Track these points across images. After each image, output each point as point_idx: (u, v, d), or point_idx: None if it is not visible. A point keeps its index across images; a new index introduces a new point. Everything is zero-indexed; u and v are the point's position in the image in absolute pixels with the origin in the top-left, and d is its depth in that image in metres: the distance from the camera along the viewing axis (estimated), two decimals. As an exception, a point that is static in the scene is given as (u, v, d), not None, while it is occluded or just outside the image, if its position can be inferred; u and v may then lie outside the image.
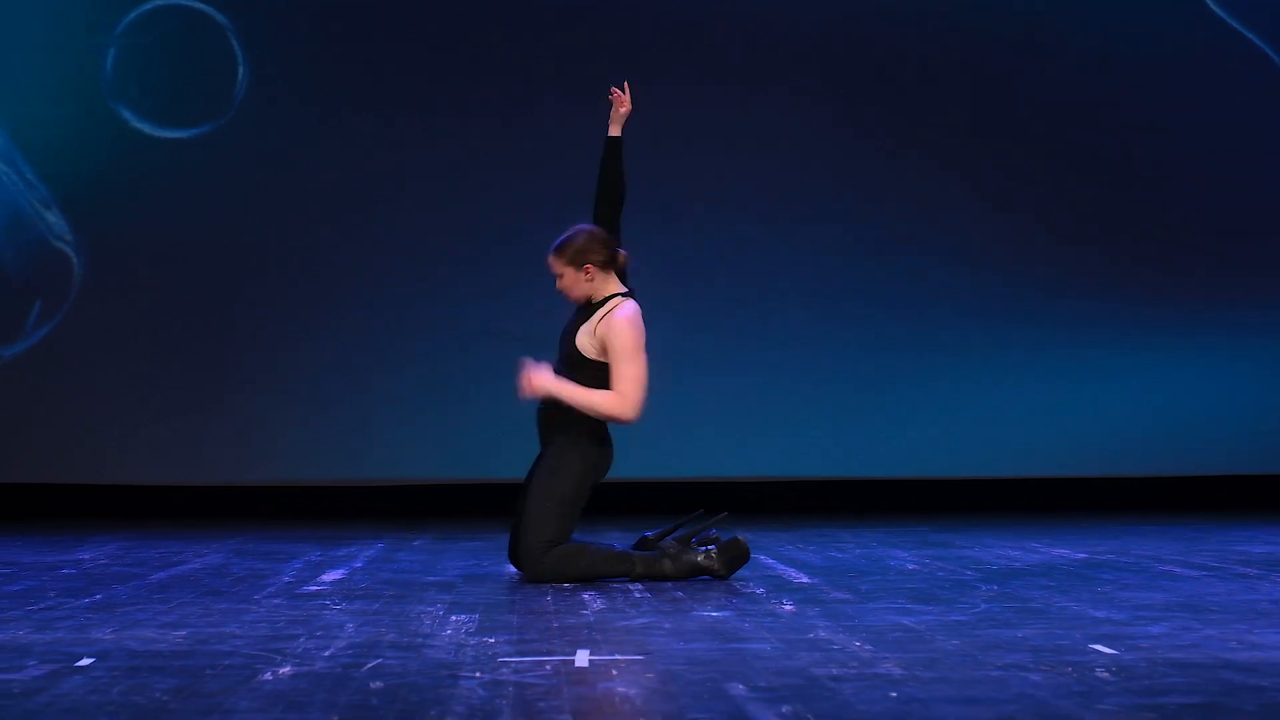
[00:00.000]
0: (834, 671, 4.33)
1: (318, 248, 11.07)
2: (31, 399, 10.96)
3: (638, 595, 6.21)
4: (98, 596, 6.23)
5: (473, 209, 11.11)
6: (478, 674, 4.35)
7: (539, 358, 6.86)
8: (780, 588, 6.45)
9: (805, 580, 6.73)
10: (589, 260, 6.81)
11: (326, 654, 4.69)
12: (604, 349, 6.73)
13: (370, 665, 4.48)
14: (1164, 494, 11.39)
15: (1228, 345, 11.30)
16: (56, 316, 10.97)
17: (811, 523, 10.04)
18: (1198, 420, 11.30)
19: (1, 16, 10.97)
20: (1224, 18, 11.33)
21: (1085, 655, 4.57)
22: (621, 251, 6.87)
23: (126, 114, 11.01)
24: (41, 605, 5.94)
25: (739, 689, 4.08)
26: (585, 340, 6.77)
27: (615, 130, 7.11)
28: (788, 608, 5.77)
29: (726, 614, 5.59)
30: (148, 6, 11.04)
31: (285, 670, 4.41)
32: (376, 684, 4.19)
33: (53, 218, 10.95)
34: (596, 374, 6.73)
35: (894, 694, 4.01)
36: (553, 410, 6.78)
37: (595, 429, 6.78)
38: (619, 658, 4.60)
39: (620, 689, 4.09)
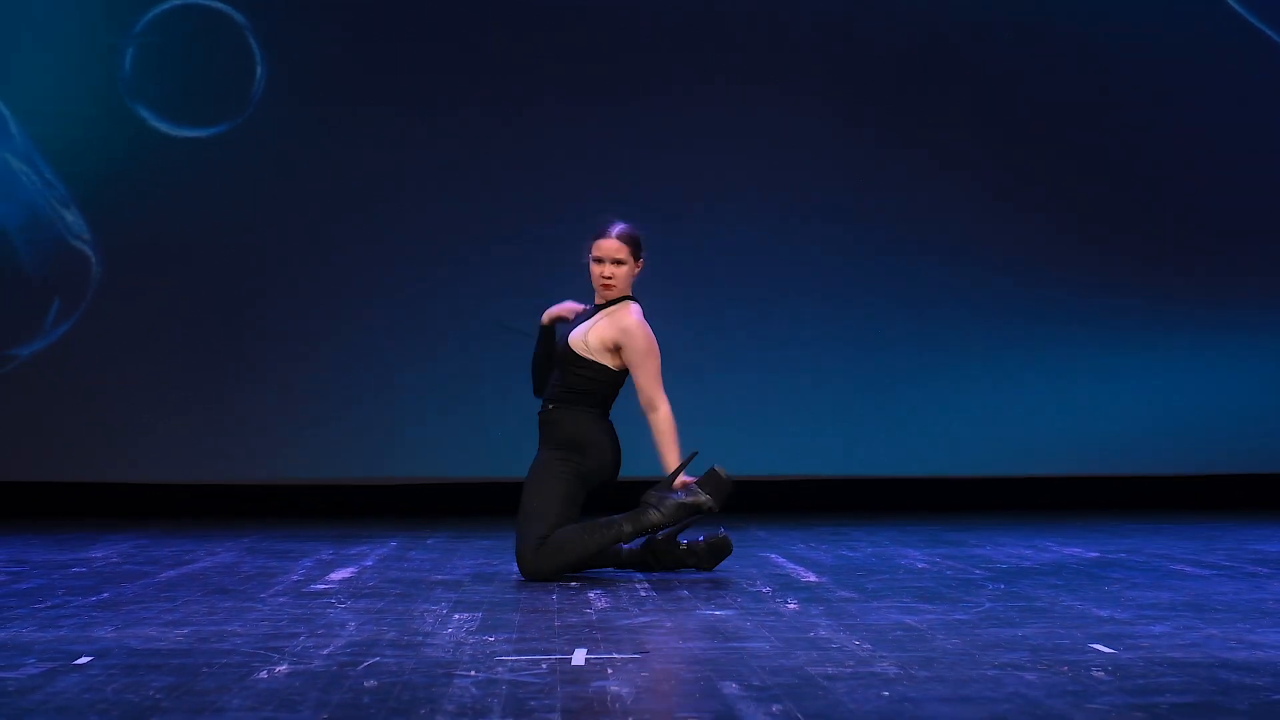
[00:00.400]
0: (829, 670, 4.33)
1: (335, 245, 11.09)
2: (50, 397, 10.99)
3: (643, 594, 6.21)
4: (104, 595, 6.25)
5: (488, 207, 11.12)
6: (473, 672, 4.35)
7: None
8: (787, 586, 6.45)
9: (813, 579, 6.72)
10: (644, 255, 6.88)
11: (325, 652, 4.70)
12: (606, 346, 6.74)
13: (366, 664, 4.49)
14: (1183, 493, 11.35)
15: (1246, 343, 11.26)
16: (74, 315, 11.00)
17: (826, 522, 10.03)
18: (1217, 418, 11.26)
19: (21, 16, 11.00)
20: (1239, 10, 11.29)
21: (1083, 655, 4.56)
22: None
23: (145, 113, 11.04)
24: (48, 604, 5.96)
25: (732, 688, 4.08)
26: (580, 340, 6.77)
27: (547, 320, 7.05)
28: (791, 606, 5.76)
29: (729, 613, 5.59)
30: (166, 5, 11.07)
31: (281, 669, 4.42)
32: (370, 682, 4.20)
33: (71, 216, 10.98)
34: (586, 380, 6.74)
35: (886, 693, 4.00)
36: (556, 413, 6.79)
37: (599, 432, 6.77)
38: (616, 656, 4.60)
39: (613, 688, 4.09)
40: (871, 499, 11.28)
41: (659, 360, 6.78)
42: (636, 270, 6.87)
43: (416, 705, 3.89)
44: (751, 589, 6.37)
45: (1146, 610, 5.56)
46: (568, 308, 7.01)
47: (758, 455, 11.12)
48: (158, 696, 4.01)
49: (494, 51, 11.13)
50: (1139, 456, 11.24)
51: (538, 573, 6.65)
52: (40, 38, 11.01)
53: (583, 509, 6.84)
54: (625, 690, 4.06)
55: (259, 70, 11.07)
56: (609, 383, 6.82)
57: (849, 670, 4.33)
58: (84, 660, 4.57)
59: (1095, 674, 4.24)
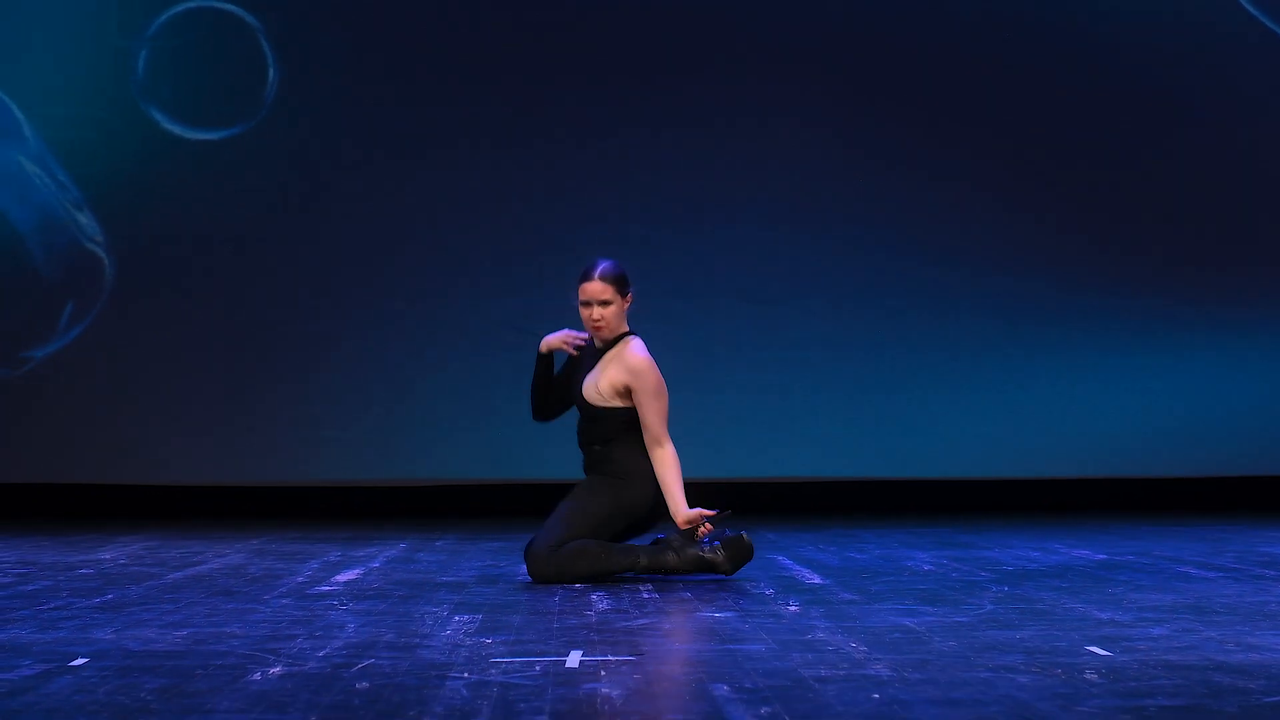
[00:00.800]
0: (822, 673, 4.33)
1: (349, 248, 11.11)
2: (64, 399, 11.03)
3: (645, 596, 6.21)
4: (109, 596, 6.27)
5: (503, 209, 11.13)
6: (466, 674, 4.36)
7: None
8: (790, 588, 6.44)
9: (817, 581, 6.72)
10: (631, 289, 6.86)
11: (321, 654, 4.71)
12: (618, 390, 6.75)
13: (361, 665, 4.50)
14: (1195, 495, 11.33)
15: (1261, 344, 11.23)
16: (88, 317, 11.04)
17: (838, 524, 10.03)
18: (1232, 420, 11.23)
19: (33, 18, 11.04)
20: (1252, 12, 11.26)
21: (1078, 657, 4.56)
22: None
23: (158, 115, 11.07)
24: (51, 605, 5.98)
25: (723, 690, 4.08)
26: (593, 390, 6.79)
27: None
28: (792, 608, 5.76)
29: (729, 615, 5.59)
30: (179, 8, 11.10)
31: (275, 670, 4.43)
32: (363, 684, 4.21)
33: (84, 219, 11.02)
34: (617, 422, 6.76)
35: (876, 695, 4.00)
36: (603, 451, 6.80)
37: (647, 465, 6.78)
38: (610, 658, 4.61)
39: (604, 690, 4.10)
40: (884, 501, 11.28)
41: (667, 399, 6.81)
42: (626, 304, 6.87)
43: (406, 707, 3.90)
44: (755, 591, 6.37)
45: (1147, 613, 5.55)
46: (566, 337, 7.01)
47: (770, 456, 11.13)
48: (148, 698, 4.03)
49: (508, 54, 11.14)
50: (1152, 458, 11.22)
51: (545, 573, 6.65)
52: (53, 40, 11.05)
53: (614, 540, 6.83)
54: (616, 692, 4.06)
55: (271, 72, 11.10)
56: (635, 419, 6.83)
57: (842, 673, 4.33)
58: (79, 662, 4.58)
59: (1088, 676, 4.23)
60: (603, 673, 4.36)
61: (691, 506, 6.77)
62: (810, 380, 11.16)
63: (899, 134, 11.18)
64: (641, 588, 6.51)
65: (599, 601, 6.03)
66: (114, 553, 8.27)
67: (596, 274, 6.87)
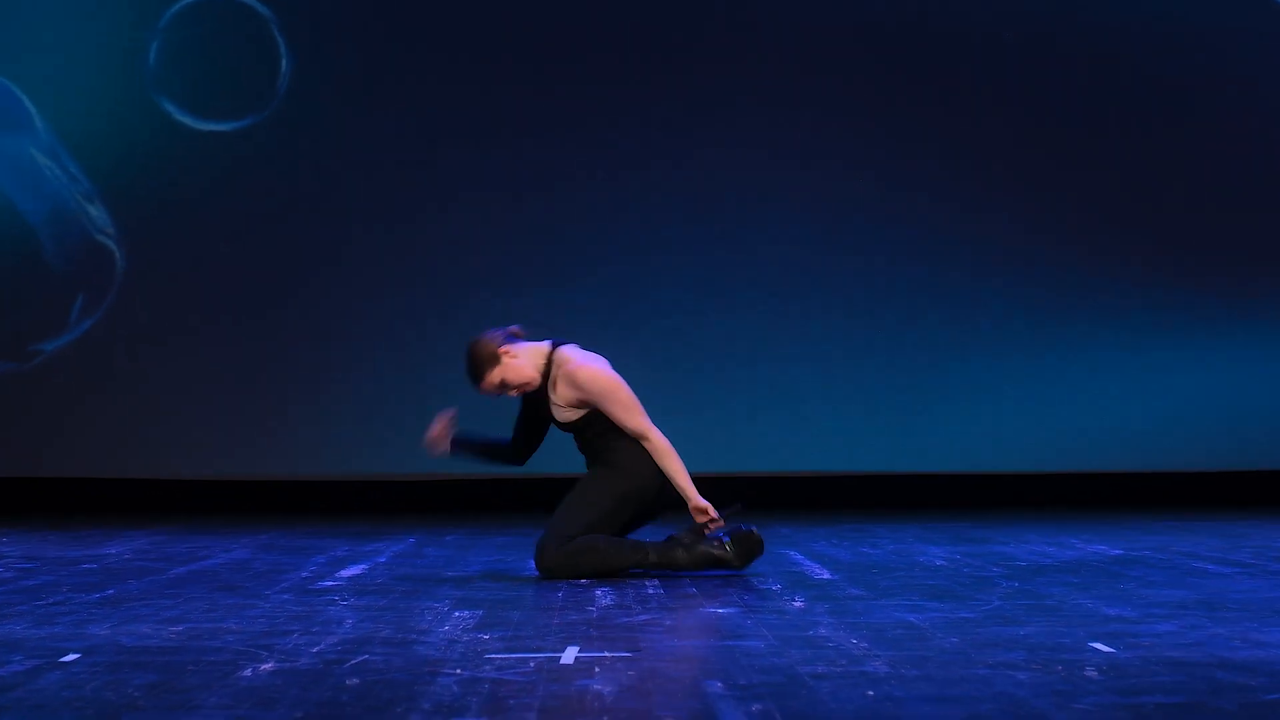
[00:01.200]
0: (819, 670, 4.31)
1: (361, 240, 11.12)
2: (74, 392, 11.06)
3: (650, 592, 6.21)
4: (109, 592, 6.28)
5: (517, 200, 11.12)
6: (459, 670, 4.36)
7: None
8: (797, 584, 6.43)
9: (826, 576, 6.71)
10: (495, 350, 6.75)
11: (315, 650, 4.71)
12: (575, 404, 6.72)
13: (354, 661, 4.49)
14: (1219, 489, 11.29)
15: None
16: (99, 310, 11.06)
17: (853, 518, 10.01)
18: (1256, 413, 11.19)
19: (45, 9, 11.06)
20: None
21: (1080, 654, 4.54)
22: (511, 328, 6.84)
23: (169, 107, 11.09)
24: (50, 600, 5.99)
25: (716, 687, 4.07)
26: (560, 411, 6.76)
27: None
28: (797, 604, 5.75)
29: (732, 610, 5.58)
30: (190, -1, 11.12)
31: (266, 666, 4.43)
32: (353, 680, 4.20)
33: (95, 211, 11.04)
34: (596, 426, 6.74)
35: (871, 692, 3.99)
36: (594, 444, 6.78)
37: (636, 452, 6.75)
38: (606, 655, 4.60)
39: (596, 686, 4.09)
40: (901, 496, 11.25)
41: (624, 389, 6.73)
42: (515, 358, 6.74)
43: (395, 703, 3.89)
44: (761, 586, 6.36)
45: (1156, 608, 5.52)
46: (438, 431, 6.97)
47: (786, 450, 11.11)
48: (136, 694, 4.03)
49: (524, 44, 11.14)
50: (1174, 452, 11.18)
51: (554, 569, 6.63)
52: (64, 32, 11.07)
53: (623, 530, 6.82)
54: (608, 689, 4.05)
55: (284, 63, 11.11)
56: (607, 425, 6.79)
57: (839, 669, 4.32)
58: (70, 658, 4.59)
59: (1088, 673, 4.21)
60: (597, 669, 4.35)
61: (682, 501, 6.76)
62: (826, 374, 11.14)
63: (919, 127, 11.16)
64: (648, 583, 6.50)
65: (603, 597, 6.03)
66: (119, 548, 8.28)
67: (475, 385, 6.77)
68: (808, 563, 7.30)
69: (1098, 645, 4.69)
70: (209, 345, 11.11)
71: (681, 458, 6.81)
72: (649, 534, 7.06)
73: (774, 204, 11.16)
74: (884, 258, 11.16)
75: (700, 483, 6.82)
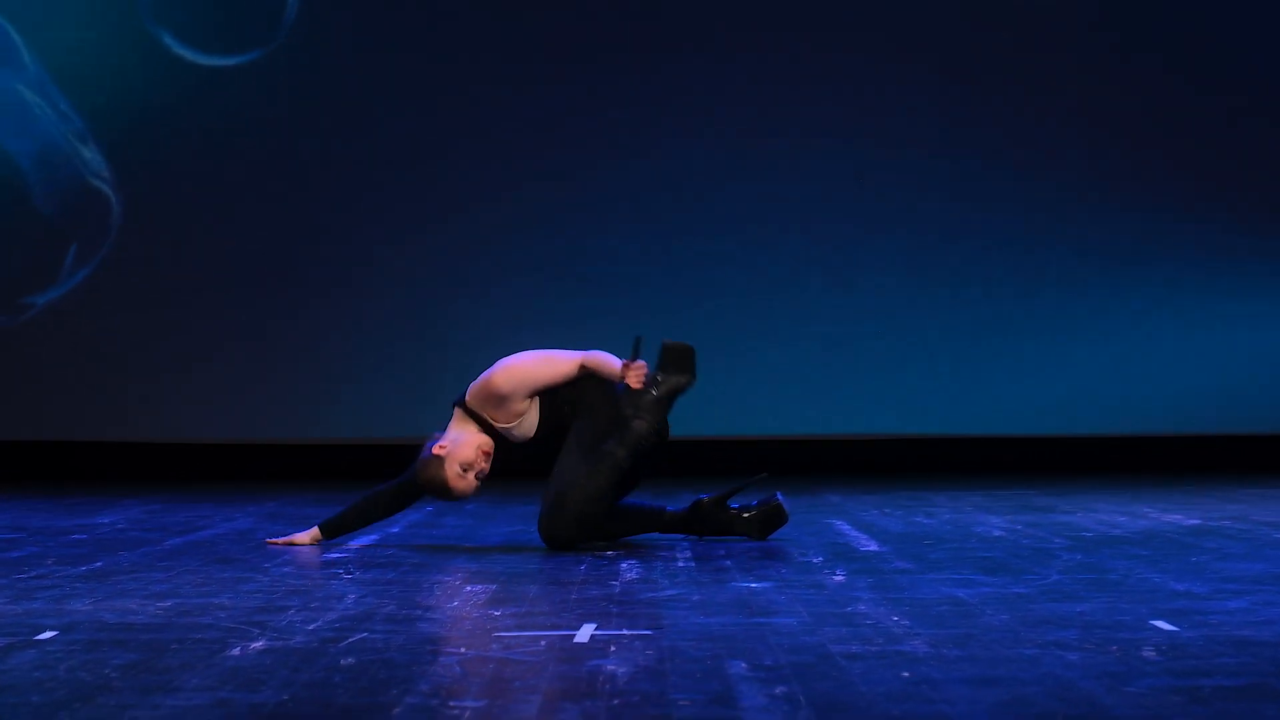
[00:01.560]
0: (853, 649, 4.32)
1: (374, 185, 11.13)
2: (68, 348, 11.11)
3: (680, 565, 6.22)
4: (96, 564, 6.32)
5: (539, 141, 11.12)
6: (462, 650, 4.38)
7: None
8: (841, 556, 6.44)
9: (873, 548, 6.71)
10: (431, 457, 6.76)
11: (311, 627, 4.73)
12: (513, 409, 6.73)
13: (351, 640, 4.52)
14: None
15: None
16: (94, 260, 11.11)
17: (910, 485, 10.00)
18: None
19: (33, -66, 11.09)
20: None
21: (1139, 632, 4.53)
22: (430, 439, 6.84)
23: (169, 40, 11.11)
24: (32, 574, 6.03)
25: (739, 667, 4.08)
26: (522, 425, 6.79)
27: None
28: (838, 578, 5.76)
29: (766, 585, 5.58)
30: (191, -78, 11.13)
31: (257, 645, 4.45)
32: (348, 660, 4.22)
33: (89, 153, 11.08)
34: (557, 399, 6.75)
35: (906, 674, 3.99)
36: (577, 412, 6.81)
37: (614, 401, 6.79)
38: (625, 633, 4.61)
39: (609, 667, 4.10)
40: (962, 461, 11.24)
41: (529, 356, 6.80)
42: (447, 445, 6.75)
43: (389, 685, 3.91)
44: (802, 559, 6.36)
45: (1229, 584, 5.51)
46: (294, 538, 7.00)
47: (841, 412, 11.11)
48: (112, 675, 4.05)
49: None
50: (1263, 413, 11.14)
51: (570, 537, 6.66)
52: (54, -42, 11.09)
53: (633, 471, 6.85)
54: (621, 670, 4.06)
55: (292, -9, 11.12)
56: (554, 398, 6.79)
57: (874, 649, 4.32)
58: (46, 635, 4.62)
59: (1145, 654, 4.21)
60: (613, 648, 4.36)
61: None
62: (886, 330, 11.14)
63: (995, 75, 11.11)
64: (679, 555, 6.51)
65: (628, 571, 6.04)
66: (113, 517, 8.33)
67: (448, 494, 6.76)
68: (854, 533, 7.31)
69: (1159, 623, 4.68)
70: (212, 297, 11.15)
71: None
72: (673, 501, 7.10)
73: (828, 154, 11.14)
74: (946, 206, 11.13)
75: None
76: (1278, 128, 11.15)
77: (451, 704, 3.71)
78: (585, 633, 4.61)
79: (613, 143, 11.12)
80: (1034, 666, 4.07)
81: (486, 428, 6.78)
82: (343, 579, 5.84)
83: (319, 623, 4.82)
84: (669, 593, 5.45)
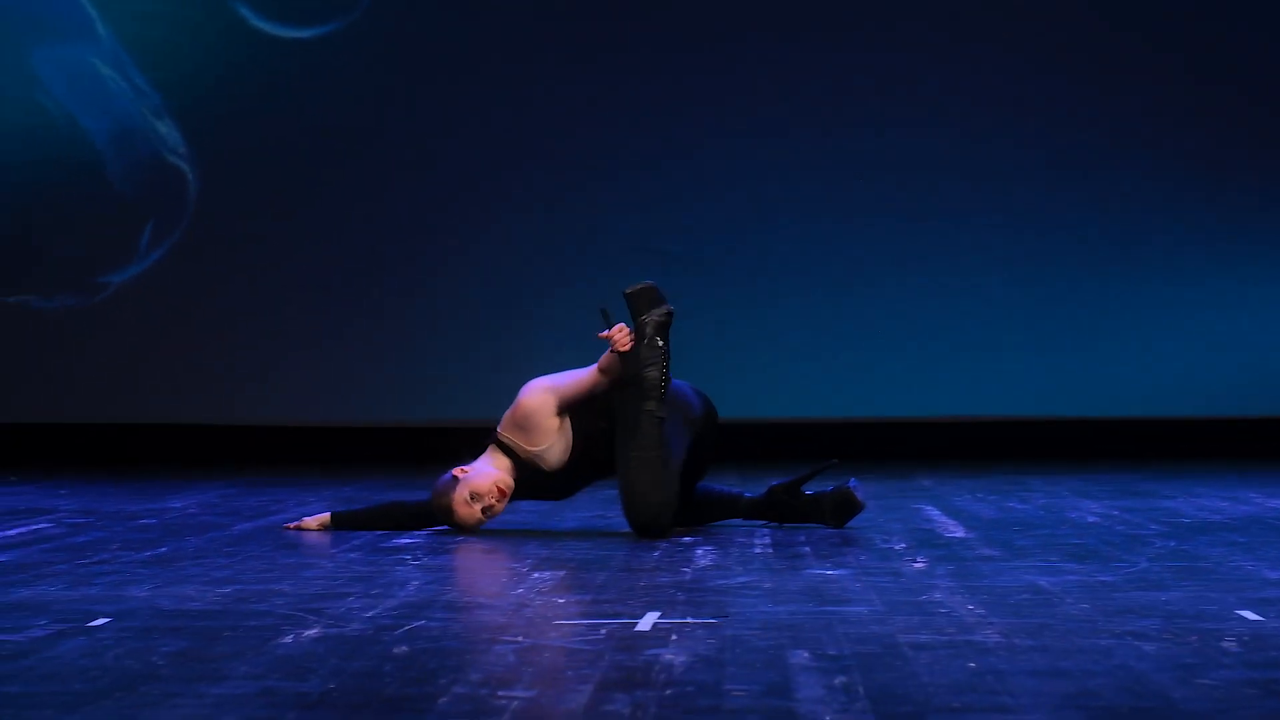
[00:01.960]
0: (921, 639, 4.32)
1: (454, 159, 11.17)
2: (144, 329, 11.20)
3: (757, 551, 6.23)
4: (162, 550, 6.39)
5: (622, 116, 11.13)
6: (520, 639, 4.41)
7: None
8: (925, 542, 6.43)
9: (959, 534, 6.70)
10: (449, 479, 6.80)
11: (369, 615, 4.77)
12: (541, 425, 6.77)
13: (407, 628, 4.55)
14: None
15: None
16: (171, 237, 11.20)
17: (1008, 469, 9.96)
18: None
19: (108, -95, 11.18)
20: None
21: (1223, 623, 4.52)
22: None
23: (245, 11, 11.17)
24: (93, 559, 6.10)
25: (802, 657, 4.09)
26: (555, 450, 6.83)
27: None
28: (917, 565, 5.76)
29: (842, 572, 5.59)
30: (269, -110, 11.18)
31: (311, 632, 4.49)
32: (401, 649, 4.26)
33: (165, 129, 11.16)
34: (589, 411, 6.80)
35: (972, 664, 3.99)
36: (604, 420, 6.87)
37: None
38: (689, 621, 4.63)
39: (666, 656, 4.12)
40: (1064, 444, 11.17)
41: (548, 380, 6.86)
42: (468, 470, 6.85)
43: (440, 674, 3.94)
44: (883, 545, 6.37)
45: (1325, 572, 5.49)
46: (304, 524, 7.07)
47: (937, 394, 11.08)
48: (159, 663, 4.10)
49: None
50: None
51: (638, 519, 6.68)
52: (129, -71, 11.17)
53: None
54: (680, 659, 4.08)
55: (372, -38, 11.16)
56: (585, 418, 6.84)
57: (944, 639, 4.32)
58: (99, 622, 4.68)
59: (1225, 644, 4.19)
60: (674, 637, 4.38)
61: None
62: (981, 306, 11.08)
63: (1073, 51, 11.06)
64: (756, 541, 6.53)
65: (702, 558, 6.06)
66: (185, 500, 8.41)
67: (451, 517, 6.83)
68: (942, 519, 7.30)
69: (1245, 613, 4.66)
70: (294, 276, 11.22)
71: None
72: (748, 489, 7.13)
73: (907, 126, 11.10)
74: (1041, 177, 11.07)
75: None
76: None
77: (500, 694, 3.74)
78: (648, 621, 4.63)
79: (701, 127, 11.11)
80: (1106, 658, 4.07)
81: (517, 461, 6.81)
82: (408, 565, 5.88)
83: (377, 610, 4.86)
84: (740, 579, 5.47)
